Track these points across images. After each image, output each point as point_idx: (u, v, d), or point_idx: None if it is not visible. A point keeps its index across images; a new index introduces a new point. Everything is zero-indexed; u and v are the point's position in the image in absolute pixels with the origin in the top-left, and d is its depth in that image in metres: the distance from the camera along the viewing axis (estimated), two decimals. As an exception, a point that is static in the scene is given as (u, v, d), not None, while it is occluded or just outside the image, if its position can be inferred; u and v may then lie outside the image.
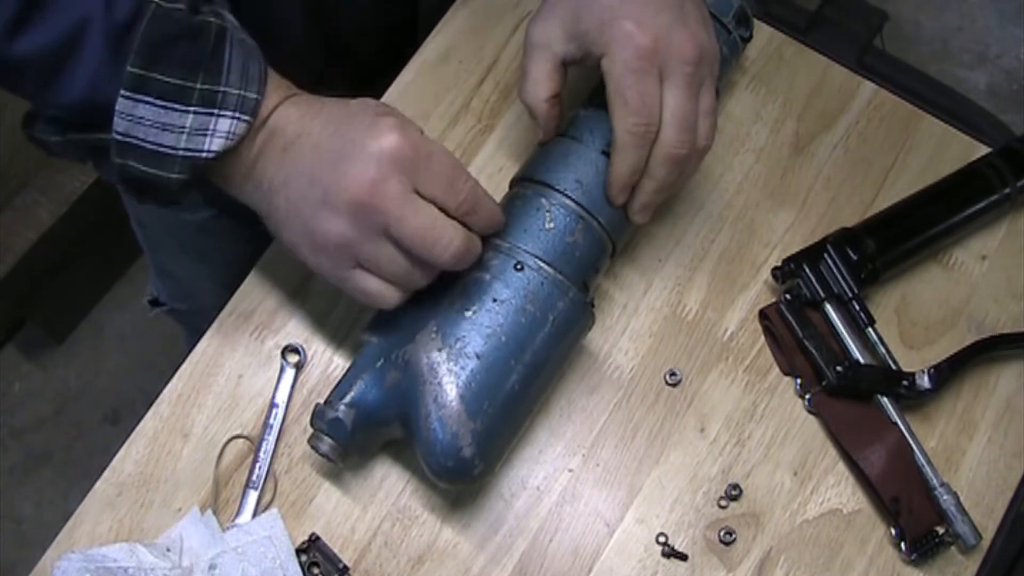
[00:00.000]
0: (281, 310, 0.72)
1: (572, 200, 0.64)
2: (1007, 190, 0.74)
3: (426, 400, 0.60)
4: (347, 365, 0.70)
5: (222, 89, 0.56)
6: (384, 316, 0.63)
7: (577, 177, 0.64)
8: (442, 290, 0.62)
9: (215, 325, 0.72)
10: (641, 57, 0.61)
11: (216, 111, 0.56)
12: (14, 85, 0.58)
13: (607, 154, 0.64)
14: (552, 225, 0.63)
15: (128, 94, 0.54)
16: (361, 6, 0.83)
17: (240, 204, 0.62)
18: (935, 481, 0.68)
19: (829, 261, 0.71)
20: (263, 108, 0.58)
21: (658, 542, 0.68)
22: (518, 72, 0.78)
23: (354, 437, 0.62)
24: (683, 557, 0.68)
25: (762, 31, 0.82)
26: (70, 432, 1.68)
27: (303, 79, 0.62)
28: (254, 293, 0.72)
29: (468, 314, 0.61)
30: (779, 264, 0.73)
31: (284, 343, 0.71)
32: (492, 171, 0.76)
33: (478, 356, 0.60)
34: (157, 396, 0.70)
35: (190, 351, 0.71)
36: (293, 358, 0.71)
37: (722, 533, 0.68)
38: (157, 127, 0.55)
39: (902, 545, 0.68)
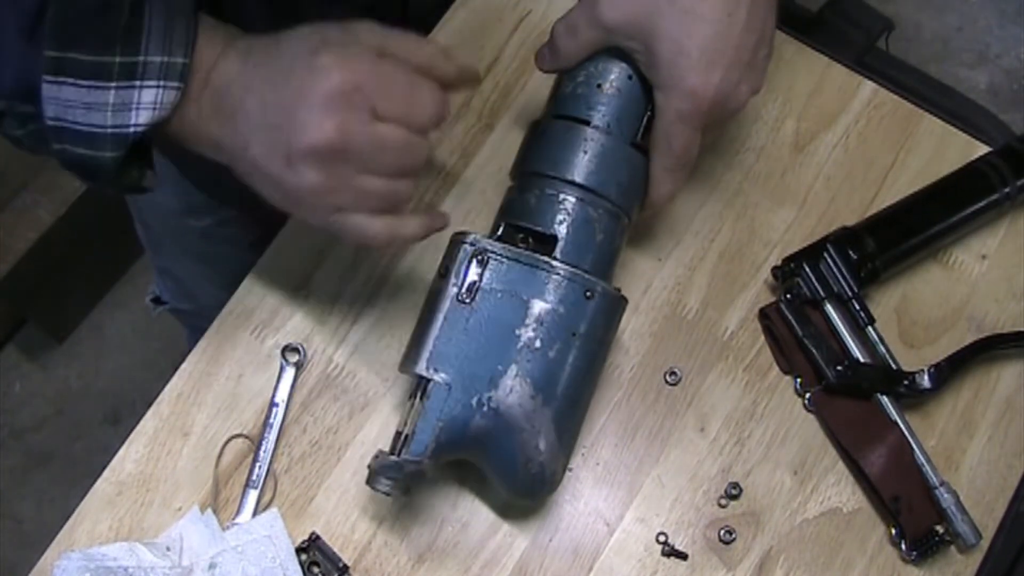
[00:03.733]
0: (281, 309, 0.72)
1: (614, 204, 0.63)
2: (1007, 189, 0.74)
3: (526, 448, 0.60)
4: (347, 364, 0.71)
5: (142, 59, 0.54)
6: (444, 348, 0.60)
7: (619, 180, 0.63)
8: (509, 321, 0.60)
9: (215, 324, 0.72)
10: (695, 114, 0.62)
11: (138, 83, 0.54)
12: None
13: (635, 146, 0.64)
14: (601, 236, 0.63)
15: (50, 78, 0.53)
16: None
17: (244, 211, 0.61)
18: (935, 480, 0.68)
19: (829, 260, 0.71)
20: (199, 68, 0.56)
21: (658, 541, 0.68)
22: (518, 72, 0.78)
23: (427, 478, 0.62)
24: (683, 556, 0.68)
25: (762, 30, 0.81)
26: (70, 432, 1.68)
27: None
28: (254, 292, 0.72)
29: (552, 354, 0.60)
30: (779, 263, 0.73)
31: (284, 342, 0.71)
32: (492, 170, 0.76)
33: (567, 396, 0.61)
34: (157, 396, 0.70)
35: (191, 351, 0.71)
36: (293, 357, 0.71)
37: (722, 532, 0.68)
38: (83, 107, 0.54)
39: (902, 544, 0.68)
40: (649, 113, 0.64)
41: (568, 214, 0.62)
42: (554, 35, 0.65)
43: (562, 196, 0.63)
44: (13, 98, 0.56)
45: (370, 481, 0.60)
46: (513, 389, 0.59)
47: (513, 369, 0.60)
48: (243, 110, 0.56)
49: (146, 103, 0.54)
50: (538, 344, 0.60)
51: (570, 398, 0.61)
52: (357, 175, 0.56)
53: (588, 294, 0.61)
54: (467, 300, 0.60)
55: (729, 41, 0.61)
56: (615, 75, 0.64)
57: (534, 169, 0.64)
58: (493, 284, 0.60)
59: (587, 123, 0.63)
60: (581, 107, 0.64)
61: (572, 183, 0.63)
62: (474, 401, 0.60)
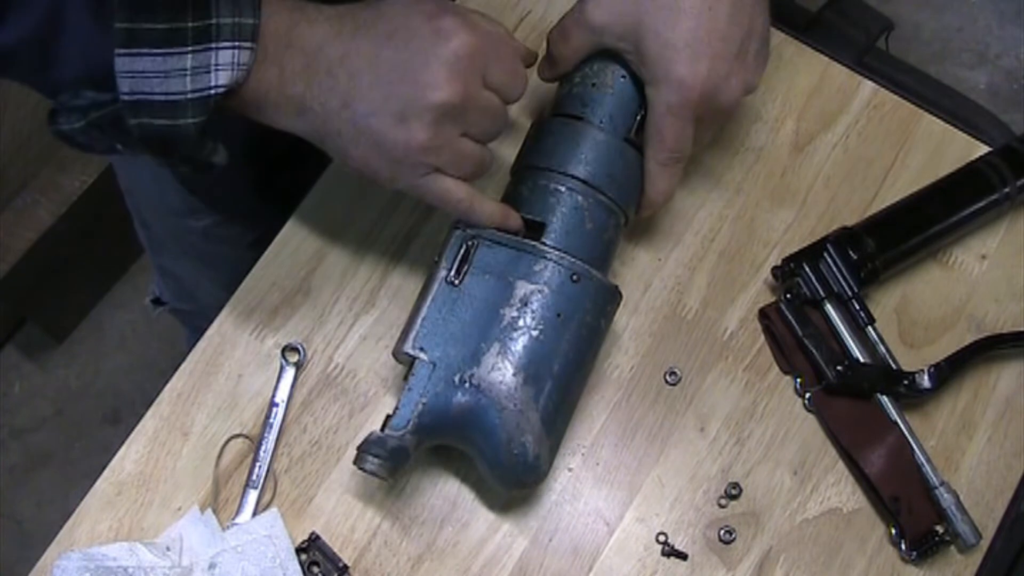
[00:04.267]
0: (281, 309, 0.72)
1: (606, 196, 0.64)
2: (1007, 189, 0.74)
3: (507, 426, 0.60)
4: (347, 364, 0.71)
5: (214, 21, 0.55)
6: (431, 328, 0.62)
7: (609, 171, 0.65)
8: (494, 301, 0.61)
9: (215, 324, 0.72)
10: (684, 106, 0.63)
11: (213, 45, 0.55)
12: (13, 74, 0.57)
13: (629, 141, 0.66)
14: (591, 225, 0.64)
15: (123, 51, 0.53)
16: None
17: (244, 209, 0.61)
18: (935, 480, 0.68)
19: (829, 260, 0.71)
20: (274, 29, 0.57)
21: (658, 541, 0.68)
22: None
23: (413, 458, 0.61)
24: (683, 556, 0.68)
25: (762, 30, 0.81)
26: (70, 432, 1.68)
27: None
28: (254, 292, 0.72)
29: (535, 334, 0.61)
30: (779, 263, 0.73)
31: (284, 342, 0.71)
32: (492, 170, 0.76)
33: (552, 377, 0.61)
34: (157, 396, 0.70)
35: (191, 351, 0.71)
36: (293, 357, 0.71)
37: (722, 532, 0.68)
38: (160, 76, 0.54)
39: (902, 544, 0.68)
40: (643, 111, 0.65)
41: (557, 202, 0.64)
42: (549, 43, 0.68)
43: (553, 186, 0.64)
44: (79, 84, 0.56)
45: (357, 461, 0.60)
46: (495, 366, 0.60)
47: (496, 347, 0.60)
48: (345, 69, 0.57)
49: (224, 64, 0.55)
50: (521, 323, 0.61)
51: (554, 380, 0.61)
52: (459, 137, 0.59)
53: (574, 278, 0.62)
54: (456, 283, 0.62)
55: (714, 33, 0.62)
56: (609, 74, 0.66)
57: (528, 163, 0.67)
58: (481, 267, 0.62)
59: (581, 119, 0.65)
60: (576, 105, 0.66)
61: (562, 173, 0.64)
62: (456, 378, 0.61)
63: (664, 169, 0.66)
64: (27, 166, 1.54)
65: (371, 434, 0.61)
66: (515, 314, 0.61)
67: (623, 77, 0.66)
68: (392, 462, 0.60)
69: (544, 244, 0.62)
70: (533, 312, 0.61)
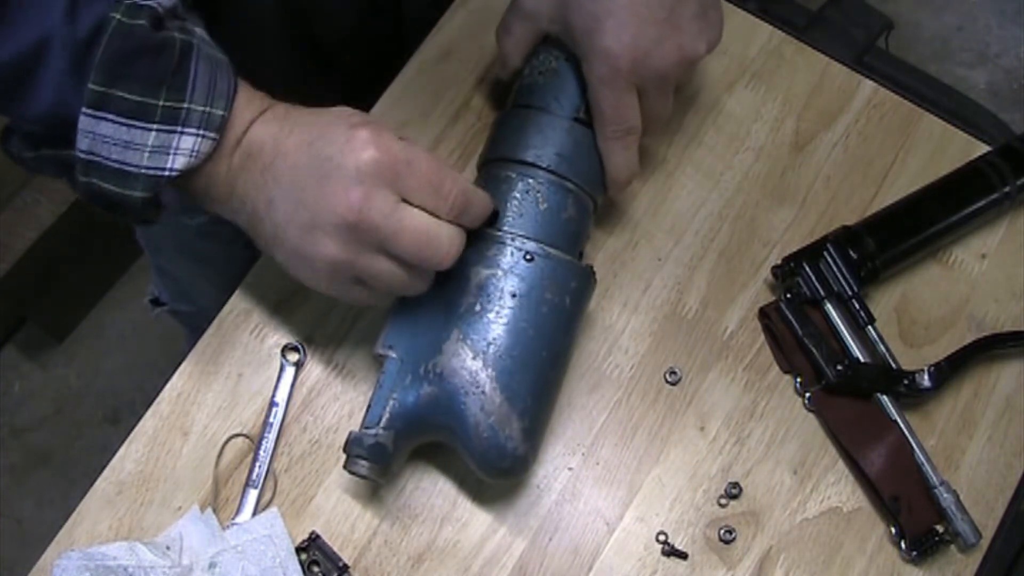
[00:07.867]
0: (281, 308, 0.72)
1: (558, 175, 0.65)
2: (1007, 188, 0.74)
3: (472, 410, 0.60)
4: (347, 364, 0.71)
5: (186, 106, 0.55)
6: (398, 327, 0.63)
7: (558, 150, 0.65)
8: (453, 292, 0.62)
9: (215, 324, 0.72)
10: (616, 75, 0.63)
11: (179, 128, 0.55)
12: None
13: (578, 120, 0.66)
14: (546, 205, 0.64)
15: (90, 111, 0.53)
16: (343, 15, 0.82)
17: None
18: (935, 479, 0.68)
19: (829, 260, 0.71)
20: (235, 125, 0.57)
21: (658, 541, 0.68)
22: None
23: (395, 456, 0.62)
24: (683, 556, 0.68)
25: (762, 29, 0.82)
26: (70, 431, 1.68)
27: (289, 95, 0.61)
28: (254, 291, 0.72)
29: (491, 316, 0.61)
30: (779, 263, 0.73)
31: (284, 341, 0.71)
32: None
33: (512, 356, 0.61)
34: (157, 395, 0.70)
35: (191, 351, 0.71)
36: (293, 356, 0.71)
37: (722, 531, 0.68)
38: (120, 145, 0.54)
39: (902, 544, 0.68)
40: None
41: (508, 187, 0.64)
42: (497, 41, 0.70)
43: (504, 174, 0.65)
44: (42, 123, 0.56)
45: (346, 464, 0.61)
46: (455, 353, 0.61)
47: (455, 333, 0.61)
48: (272, 172, 0.57)
49: (184, 149, 0.55)
50: (478, 308, 0.61)
51: (517, 360, 0.61)
52: (372, 254, 0.56)
53: (528, 257, 0.62)
54: None
55: (639, 1, 0.62)
56: (551, 60, 0.68)
57: (485, 158, 0.68)
58: None
59: (529, 107, 0.67)
60: (525, 95, 0.68)
61: (511, 160, 0.65)
62: (422, 370, 0.61)
63: (614, 143, 0.66)
64: (27, 166, 1.54)
65: (350, 433, 0.62)
66: (471, 300, 0.61)
67: (564, 60, 0.67)
68: (375, 461, 0.61)
69: (498, 230, 0.63)
70: (488, 295, 0.61)
